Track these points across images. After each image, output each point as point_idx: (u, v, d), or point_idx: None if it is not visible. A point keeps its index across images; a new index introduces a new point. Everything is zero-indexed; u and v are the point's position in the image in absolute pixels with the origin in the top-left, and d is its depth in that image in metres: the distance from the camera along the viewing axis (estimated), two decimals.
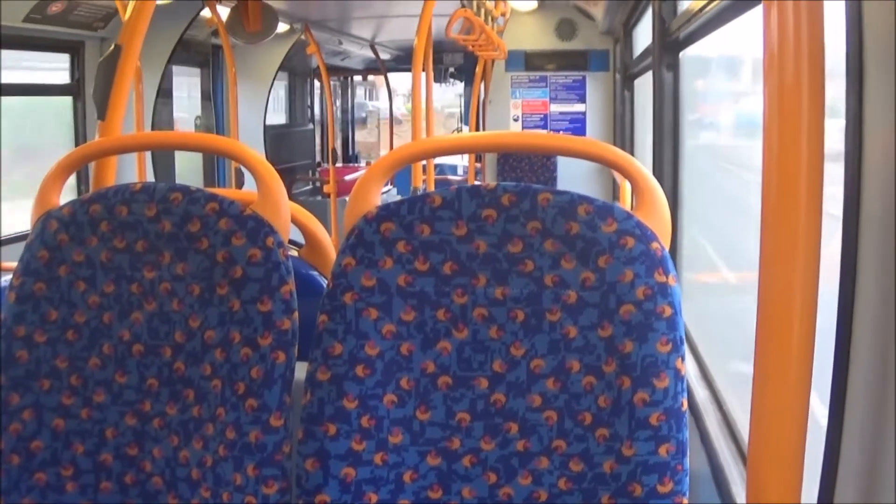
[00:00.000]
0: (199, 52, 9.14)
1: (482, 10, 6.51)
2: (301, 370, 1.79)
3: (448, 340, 1.73)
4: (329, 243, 2.22)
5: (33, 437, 1.91)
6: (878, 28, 1.35)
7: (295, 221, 2.06)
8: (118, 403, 1.90)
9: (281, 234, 1.84)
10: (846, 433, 1.45)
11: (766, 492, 1.31)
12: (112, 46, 2.33)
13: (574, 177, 9.51)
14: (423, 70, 4.94)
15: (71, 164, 2.05)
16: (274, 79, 10.26)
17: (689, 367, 3.64)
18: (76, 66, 6.44)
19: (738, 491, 2.47)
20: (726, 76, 4.15)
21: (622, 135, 8.64)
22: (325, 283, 1.84)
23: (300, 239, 2.26)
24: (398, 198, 2.40)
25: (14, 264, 2.00)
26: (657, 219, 1.71)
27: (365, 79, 16.23)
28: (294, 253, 2.13)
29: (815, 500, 1.55)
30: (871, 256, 1.38)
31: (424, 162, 5.05)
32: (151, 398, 1.88)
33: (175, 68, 8.35)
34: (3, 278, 2.44)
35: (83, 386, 1.91)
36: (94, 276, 1.91)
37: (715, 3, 3.35)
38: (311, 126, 13.48)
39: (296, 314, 1.80)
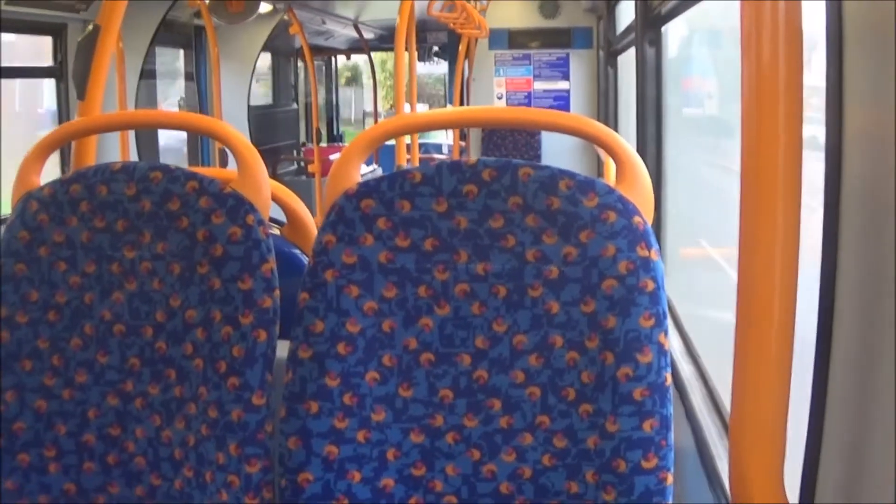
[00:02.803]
0: (182, 33, 9.09)
1: None
2: (283, 349, 1.79)
3: (430, 317, 1.73)
4: (311, 221, 2.21)
5: (15, 418, 1.90)
6: (858, 6, 1.35)
7: (276, 199, 2.05)
8: (100, 384, 1.89)
9: (261, 212, 1.83)
10: (829, 412, 1.45)
11: (748, 467, 1.32)
12: (91, 26, 2.32)
13: (558, 154, 9.51)
14: (407, 49, 4.93)
15: (51, 144, 2.04)
16: (257, 59, 10.23)
17: (674, 342, 3.64)
18: (59, 49, 6.40)
19: (723, 466, 2.47)
20: None
21: (606, 112, 8.63)
22: (306, 261, 1.83)
23: (282, 217, 2.25)
24: None
25: None
26: (639, 193, 1.71)
27: (349, 58, 16.16)
28: (275, 231, 2.13)
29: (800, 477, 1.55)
30: (851, 238, 1.38)
31: (409, 141, 5.03)
32: (133, 378, 1.87)
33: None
34: None
35: (65, 366, 1.90)
36: (74, 257, 1.90)
37: None
38: (294, 106, 13.44)
39: (277, 292, 1.80)
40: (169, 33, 8.49)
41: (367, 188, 1.74)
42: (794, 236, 1.25)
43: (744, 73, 1.24)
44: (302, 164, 12.38)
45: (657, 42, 4.76)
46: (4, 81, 5.93)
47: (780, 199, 1.23)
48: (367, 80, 16.32)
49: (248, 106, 10.13)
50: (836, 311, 1.41)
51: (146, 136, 7.67)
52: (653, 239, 1.67)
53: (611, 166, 2.08)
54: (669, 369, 1.67)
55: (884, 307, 1.25)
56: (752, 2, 1.22)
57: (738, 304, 1.30)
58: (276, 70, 12.62)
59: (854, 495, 1.34)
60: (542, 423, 1.70)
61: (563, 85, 10.02)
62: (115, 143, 6.50)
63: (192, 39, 9.37)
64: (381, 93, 15.78)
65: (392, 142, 4.61)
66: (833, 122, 1.39)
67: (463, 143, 10.16)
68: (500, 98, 10.10)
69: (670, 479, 1.66)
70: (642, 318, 1.64)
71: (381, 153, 11.44)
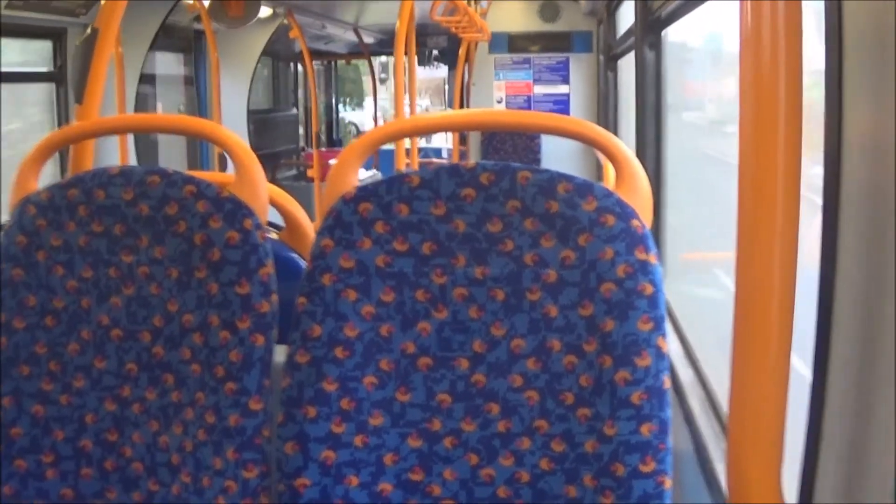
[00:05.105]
0: (181, 37, 9.11)
1: None
2: (281, 353, 1.78)
3: (428, 321, 1.72)
4: (309, 225, 2.21)
5: (13, 423, 1.90)
6: (857, 10, 1.35)
7: (274, 203, 2.05)
8: (97, 389, 1.88)
9: (259, 217, 1.83)
10: (827, 412, 1.45)
11: (746, 468, 1.31)
12: (89, 29, 2.31)
13: (559, 158, 9.54)
14: (406, 53, 4.92)
15: (48, 148, 2.03)
16: (257, 64, 10.23)
17: (673, 347, 3.63)
18: (58, 53, 6.40)
19: (722, 469, 2.47)
20: None
21: (606, 116, 8.65)
22: (305, 265, 1.83)
23: (281, 222, 2.24)
24: None
25: None
26: (638, 196, 1.70)
27: (348, 63, 16.16)
28: (274, 236, 2.12)
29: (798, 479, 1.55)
30: (850, 239, 1.38)
31: (409, 145, 5.03)
32: (130, 383, 1.87)
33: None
34: None
35: (62, 372, 1.90)
36: (72, 261, 1.89)
37: None
38: (294, 111, 13.44)
39: (274, 297, 1.79)
40: (168, 37, 8.50)
41: (365, 192, 1.73)
42: (793, 237, 1.25)
43: (742, 74, 1.24)
44: (302, 168, 12.39)
45: (657, 46, 4.76)
46: None
47: (780, 200, 1.23)
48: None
49: (248, 110, 10.14)
50: (834, 312, 1.41)
51: (145, 140, 7.67)
52: (651, 242, 1.66)
53: (610, 170, 2.08)
54: (668, 373, 1.66)
55: (882, 308, 1.25)
56: (751, 2, 1.22)
57: (736, 304, 1.30)
58: (276, 74, 12.63)
59: (852, 496, 1.33)
60: (540, 427, 1.69)
61: (562, 89, 10.06)
62: (114, 147, 6.50)
63: (191, 43, 9.39)
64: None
65: (391, 146, 4.61)
66: (832, 124, 1.39)
67: (463, 147, 10.17)
68: (499, 102, 10.13)
69: (669, 482, 1.66)
70: (640, 321, 1.63)
71: (381, 157, 11.45)
